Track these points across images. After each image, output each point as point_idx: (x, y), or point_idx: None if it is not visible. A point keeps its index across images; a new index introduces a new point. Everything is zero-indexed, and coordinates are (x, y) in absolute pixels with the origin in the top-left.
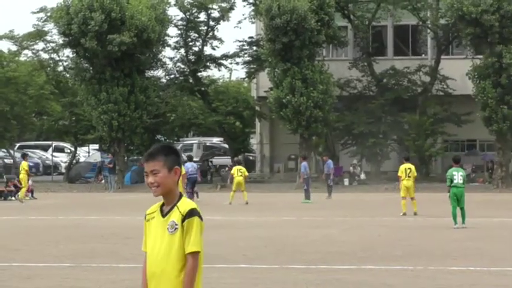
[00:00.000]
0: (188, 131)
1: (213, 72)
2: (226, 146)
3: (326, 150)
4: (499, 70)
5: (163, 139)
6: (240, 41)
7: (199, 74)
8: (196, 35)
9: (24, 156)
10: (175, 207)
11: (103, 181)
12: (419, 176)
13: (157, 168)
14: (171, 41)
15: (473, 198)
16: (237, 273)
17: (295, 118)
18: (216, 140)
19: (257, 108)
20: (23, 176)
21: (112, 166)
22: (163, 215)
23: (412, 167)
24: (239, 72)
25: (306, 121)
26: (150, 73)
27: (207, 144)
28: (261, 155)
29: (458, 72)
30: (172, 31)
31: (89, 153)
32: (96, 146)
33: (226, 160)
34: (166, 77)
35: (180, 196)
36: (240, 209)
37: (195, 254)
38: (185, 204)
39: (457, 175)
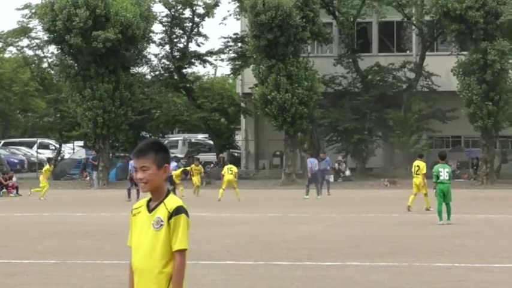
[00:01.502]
0: (173, 128)
1: (198, 69)
2: (211, 142)
3: (311, 147)
4: (484, 66)
5: (148, 136)
6: (225, 38)
7: (184, 70)
8: (181, 32)
9: (49, 161)
10: (162, 204)
11: (88, 178)
12: (404, 172)
13: (147, 165)
14: (156, 38)
15: (459, 195)
16: (222, 270)
17: (280, 115)
18: (201, 137)
19: (242, 104)
20: (42, 177)
21: (96, 163)
22: (150, 210)
23: (421, 164)
24: (224, 68)
25: (291, 118)
26: (135, 70)
27: (192, 140)
28: (246, 151)
29: (443, 68)
30: (157, 27)
31: (73, 150)
32: (81, 143)
33: (211, 157)
34: (151, 73)
35: (168, 193)
36: (225, 206)
37: (182, 252)
38: (172, 201)
39: (443, 171)
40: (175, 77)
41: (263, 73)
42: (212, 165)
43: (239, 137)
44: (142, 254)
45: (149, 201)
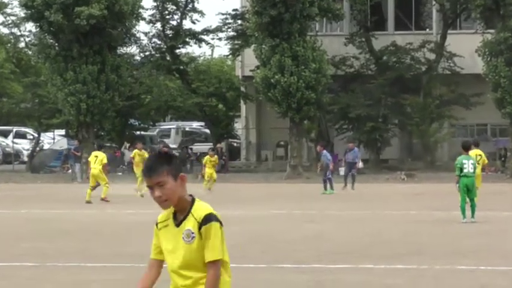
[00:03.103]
0: (165, 115)
1: (192, 49)
2: (207, 131)
3: (319, 136)
4: None
5: (137, 124)
6: (223, 14)
7: (177, 51)
8: (174, 7)
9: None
10: (190, 214)
11: (69, 170)
12: (423, 164)
13: (162, 180)
14: (146, 14)
15: (484, 190)
16: None
17: (285, 100)
18: (196, 125)
19: (242, 89)
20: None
21: (79, 154)
22: (177, 224)
23: (483, 154)
24: (222, 49)
25: (296, 103)
26: (123, 50)
27: (187, 129)
28: (246, 141)
29: (467, 48)
30: (147, 3)
31: (54, 140)
32: (62, 132)
33: (207, 147)
34: (141, 54)
35: (193, 201)
36: (224, 202)
37: (215, 263)
38: (200, 209)
39: (468, 163)
40: (168, 58)
41: (266, 54)
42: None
43: (239, 125)
44: (180, 269)
45: (175, 212)
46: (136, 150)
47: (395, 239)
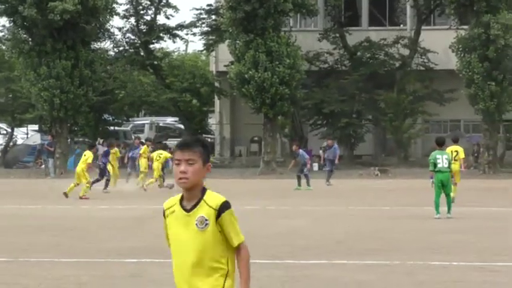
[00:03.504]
0: (139, 110)
1: (167, 44)
2: (181, 126)
3: (293, 132)
4: (486, 42)
5: (111, 119)
6: (197, 9)
7: (151, 46)
8: (148, 3)
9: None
10: (202, 202)
11: (43, 166)
12: (397, 160)
13: (194, 158)
14: (120, 9)
15: (458, 185)
16: None
17: (259, 96)
18: (170, 120)
19: (216, 84)
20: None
21: (52, 149)
22: (187, 210)
23: (459, 149)
24: (196, 44)
25: (270, 99)
26: (97, 45)
27: (161, 124)
28: (220, 136)
29: (441, 44)
30: None
31: (27, 135)
32: (36, 127)
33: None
34: (115, 49)
35: (204, 189)
36: None
37: (243, 244)
38: (214, 198)
39: (442, 158)
40: (142, 54)
41: (240, 49)
42: None
43: (213, 121)
44: (188, 253)
45: (181, 199)
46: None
47: (368, 234)
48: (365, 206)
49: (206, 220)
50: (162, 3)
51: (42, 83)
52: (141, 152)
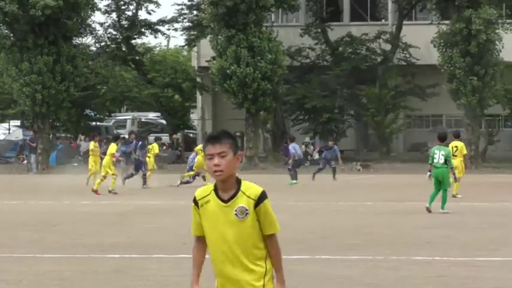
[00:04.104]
0: (121, 106)
1: (148, 40)
2: (163, 122)
3: (275, 127)
4: (468, 37)
5: (93, 114)
6: (178, 5)
7: (133, 41)
8: None
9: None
10: (240, 192)
11: (25, 161)
12: (379, 155)
13: (225, 150)
14: (102, 5)
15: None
16: (177, 264)
17: (241, 91)
18: (152, 116)
19: (198, 79)
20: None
21: (35, 145)
22: (225, 200)
23: (459, 145)
24: (178, 39)
25: (252, 94)
26: (78, 40)
27: (142, 120)
28: (202, 132)
29: (422, 39)
30: None
31: (9, 131)
32: (18, 122)
33: (163, 138)
34: (96, 44)
35: (239, 180)
36: (180, 193)
37: (274, 235)
38: (251, 188)
39: (438, 154)
40: (123, 49)
41: (221, 44)
42: (165, 147)
43: (195, 116)
44: (227, 243)
45: (215, 190)
46: (93, 142)
47: (351, 230)
48: (347, 201)
49: (246, 210)
50: None
51: (24, 78)
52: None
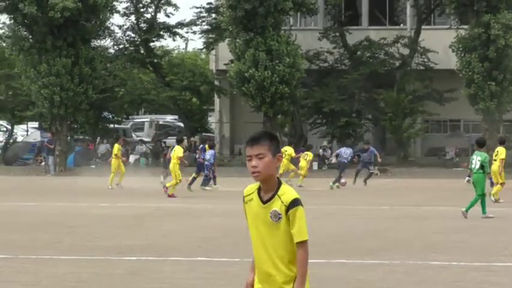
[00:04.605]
0: (139, 108)
1: (167, 43)
2: (181, 124)
3: (293, 130)
4: (486, 42)
5: (110, 116)
6: (197, 8)
7: (151, 44)
8: (149, 1)
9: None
10: (277, 196)
11: (43, 163)
12: (396, 160)
13: (263, 152)
14: (121, 7)
15: (457, 185)
16: (192, 267)
17: (259, 94)
18: (170, 118)
19: (216, 83)
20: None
21: (52, 146)
22: (264, 201)
23: (500, 149)
24: (196, 42)
25: (270, 98)
26: (97, 43)
27: (160, 122)
28: (220, 135)
29: (441, 44)
30: None
31: (27, 132)
32: (36, 124)
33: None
34: (115, 47)
35: (279, 183)
36: (196, 196)
37: (304, 243)
38: (287, 193)
39: (475, 160)
40: (142, 51)
41: (240, 48)
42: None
43: (212, 119)
44: (263, 243)
45: (259, 190)
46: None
47: (368, 234)
48: (364, 205)
49: (279, 214)
50: (162, 2)
51: (42, 80)
52: (115, 152)
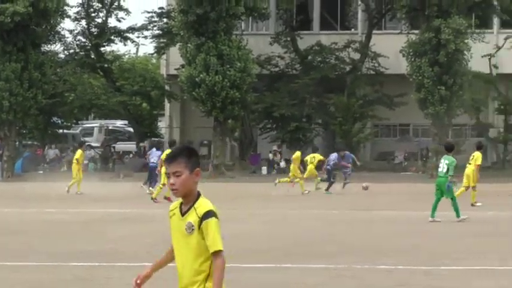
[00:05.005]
0: (88, 113)
1: (117, 47)
2: (131, 129)
3: (242, 135)
4: (437, 47)
5: (59, 122)
6: (148, 12)
7: (102, 48)
8: (100, 5)
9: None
10: (193, 209)
11: None
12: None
13: (179, 170)
14: (71, 12)
15: (406, 189)
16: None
17: (209, 99)
18: (119, 123)
19: (167, 87)
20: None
21: (0, 152)
22: (182, 214)
23: (476, 154)
24: (147, 47)
25: (221, 102)
26: (47, 47)
27: (110, 127)
28: (170, 140)
29: (392, 49)
30: (72, 0)
31: None
32: None
33: (130, 146)
34: (65, 52)
35: (198, 196)
36: (146, 201)
37: (219, 253)
38: (202, 206)
39: (442, 163)
40: (92, 56)
41: (191, 52)
42: (131, 155)
43: (163, 124)
44: (180, 254)
45: (181, 203)
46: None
47: (316, 238)
48: (314, 209)
49: (192, 226)
50: (114, 6)
51: None
52: (77, 157)
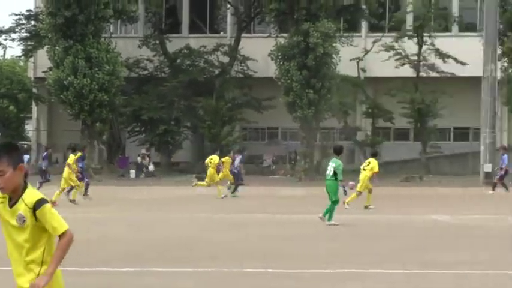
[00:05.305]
0: None
1: None
2: None
3: (110, 138)
4: (305, 50)
5: None
6: (16, 15)
7: None
8: None
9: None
10: (21, 200)
11: None
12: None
13: (2, 169)
14: None
15: (274, 193)
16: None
17: (77, 102)
18: None
19: (34, 90)
20: None
21: None
22: (10, 205)
23: (372, 161)
24: (15, 49)
25: (89, 105)
26: None
27: None
28: (37, 143)
29: (260, 52)
30: None
31: None
32: None
33: None
34: None
35: (24, 188)
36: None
37: (65, 233)
38: (30, 196)
39: (330, 166)
40: None
41: (59, 55)
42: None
43: (30, 127)
44: (12, 245)
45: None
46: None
47: (185, 242)
48: (183, 213)
49: (23, 217)
50: None
51: None
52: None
